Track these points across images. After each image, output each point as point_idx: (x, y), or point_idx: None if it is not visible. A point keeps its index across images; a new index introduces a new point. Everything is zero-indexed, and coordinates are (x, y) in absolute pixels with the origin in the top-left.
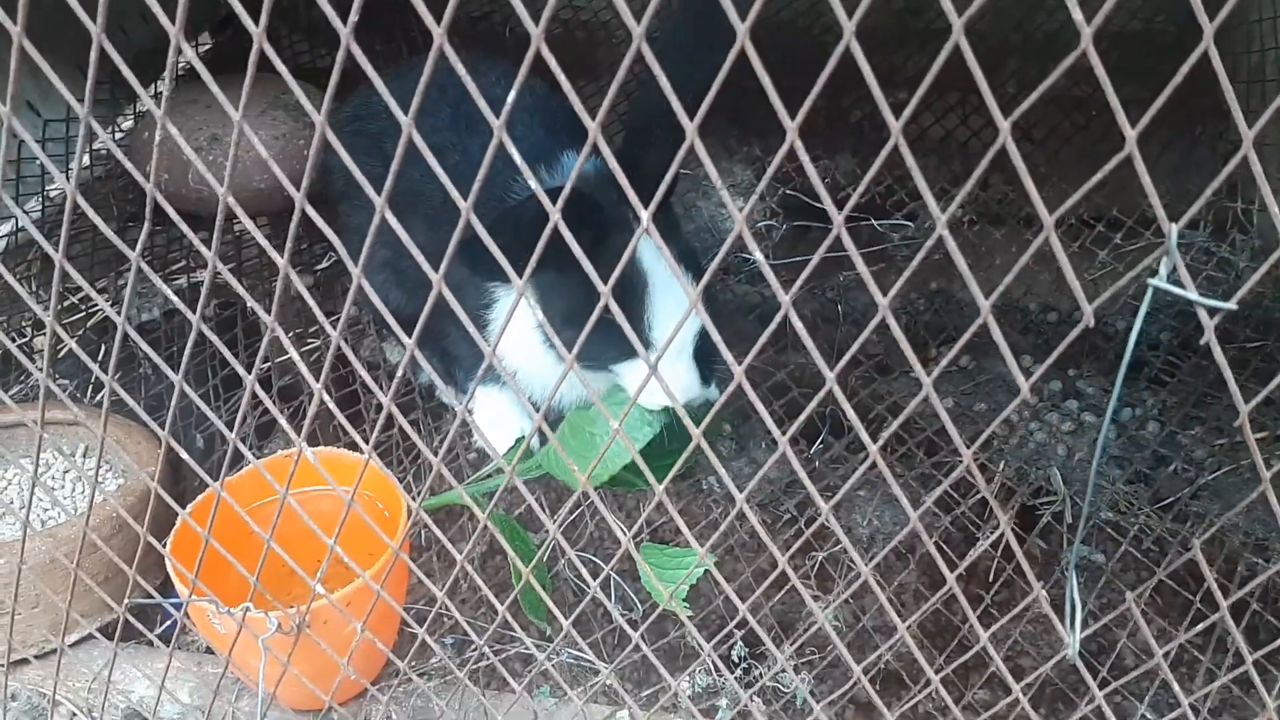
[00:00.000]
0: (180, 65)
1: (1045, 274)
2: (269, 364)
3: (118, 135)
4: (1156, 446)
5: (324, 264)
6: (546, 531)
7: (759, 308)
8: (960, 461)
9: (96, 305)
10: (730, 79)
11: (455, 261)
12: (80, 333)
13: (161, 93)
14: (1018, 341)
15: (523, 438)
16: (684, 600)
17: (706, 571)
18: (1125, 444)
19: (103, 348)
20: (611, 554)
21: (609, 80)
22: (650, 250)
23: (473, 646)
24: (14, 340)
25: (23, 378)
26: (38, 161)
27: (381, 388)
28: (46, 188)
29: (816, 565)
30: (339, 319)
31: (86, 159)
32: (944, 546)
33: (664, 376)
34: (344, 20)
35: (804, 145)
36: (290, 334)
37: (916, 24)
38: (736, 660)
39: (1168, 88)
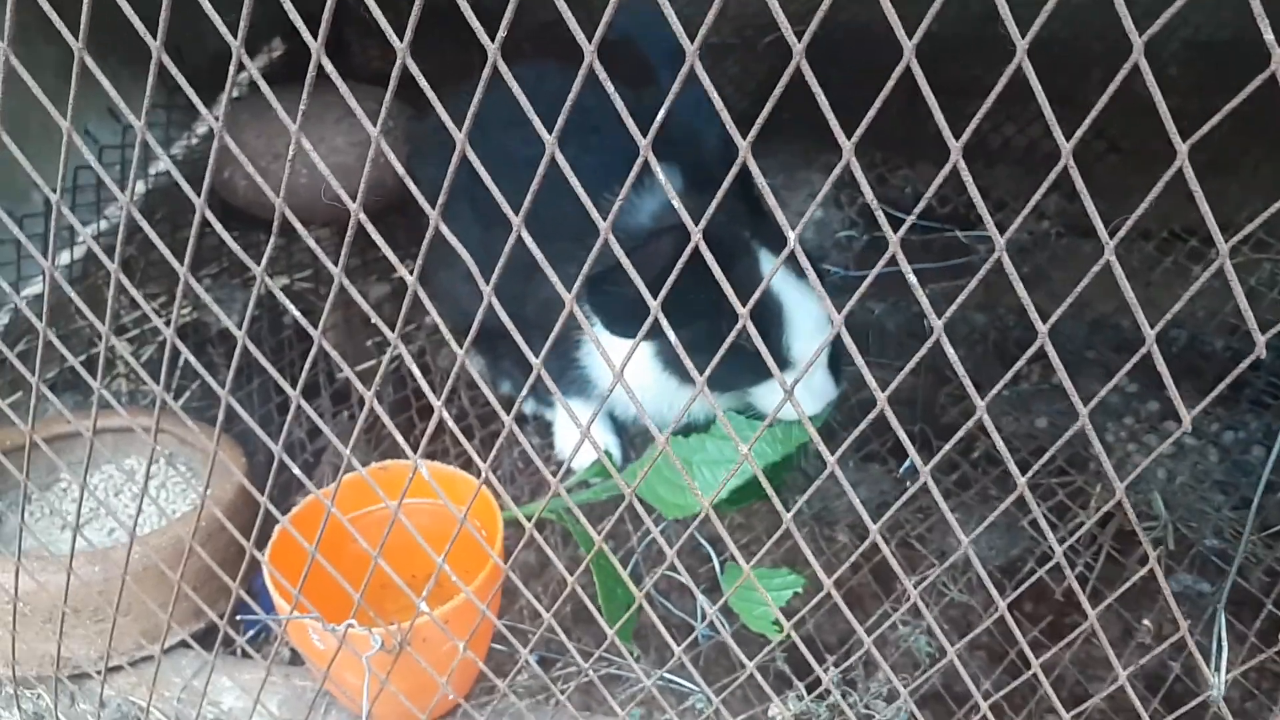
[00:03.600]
0: (246, 78)
1: (1136, 289)
2: (343, 376)
3: (187, 146)
4: (1263, 472)
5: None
6: (620, 543)
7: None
8: (1055, 488)
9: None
10: (804, 88)
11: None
12: (161, 339)
13: (237, 97)
14: (1111, 360)
15: (608, 452)
16: (774, 623)
17: (794, 593)
18: (1229, 468)
19: (181, 355)
20: (690, 571)
21: (651, 91)
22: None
23: (558, 665)
24: (90, 347)
25: (107, 382)
26: (116, 166)
27: (460, 397)
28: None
29: (906, 592)
30: (420, 329)
31: (164, 164)
32: (1036, 571)
33: (807, 388)
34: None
35: (884, 156)
36: (398, 328)
37: (998, 29)
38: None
39: None
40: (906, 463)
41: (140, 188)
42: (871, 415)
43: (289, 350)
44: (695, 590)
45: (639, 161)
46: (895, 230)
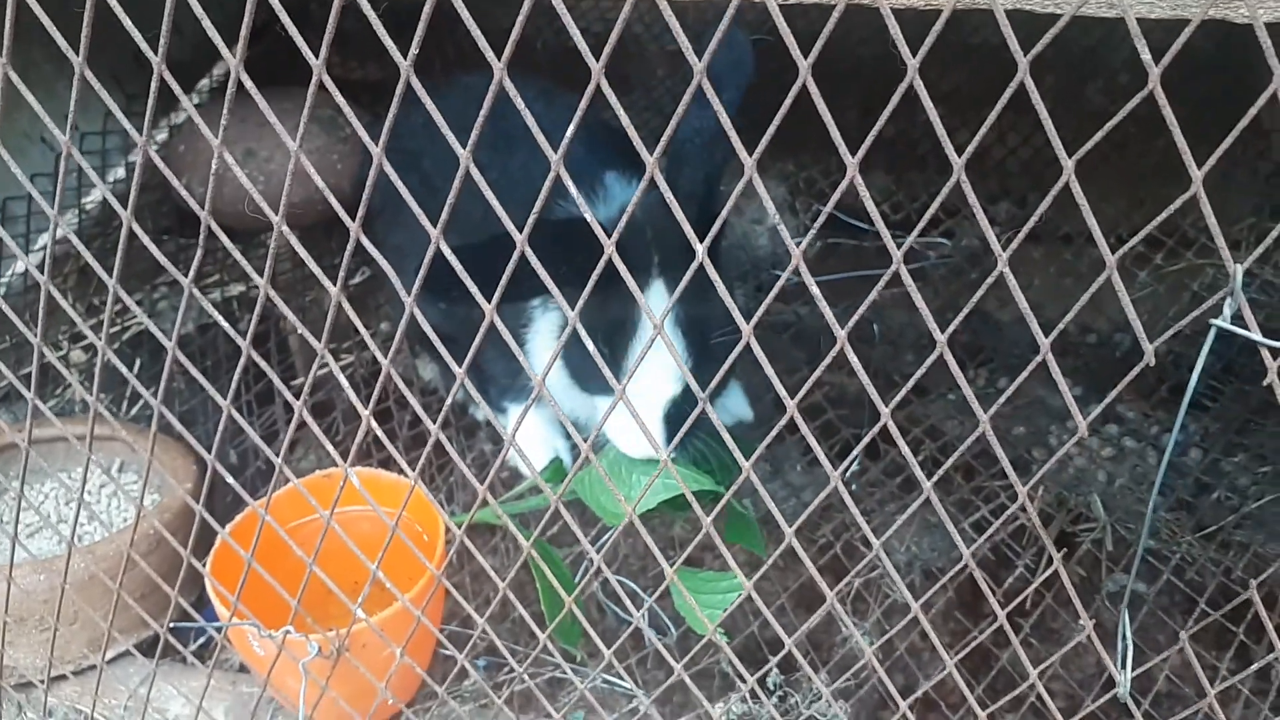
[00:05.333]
0: (216, 78)
1: (1083, 293)
2: (303, 380)
3: (153, 147)
4: (1199, 474)
5: (358, 278)
6: (574, 548)
7: (793, 326)
8: (999, 490)
9: (131, 318)
10: (762, 95)
11: (498, 284)
12: (116, 346)
13: (198, 104)
14: (1056, 364)
15: (557, 457)
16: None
17: (741, 592)
18: (1167, 471)
19: (137, 361)
20: (640, 573)
21: (641, 93)
22: (653, 300)
23: (506, 669)
24: (51, 352)
25: (58, 390)
26: (74, 173)
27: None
28: (82, 199)
29: (853, 591)
30: (374, 335)
31: (122, 171)
32: (982, 573)
33: (629, 427)
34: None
35: (839, 163)
36: (324, 339)
37: (951, 38)
38: (772, 687)
39: (1231, 133)
40: (853, 465)
41: (97, 195)
42: (782, 422)
43: (242, 355)
44: (621, 592)
45: (550, 178)
46: (846, 238)
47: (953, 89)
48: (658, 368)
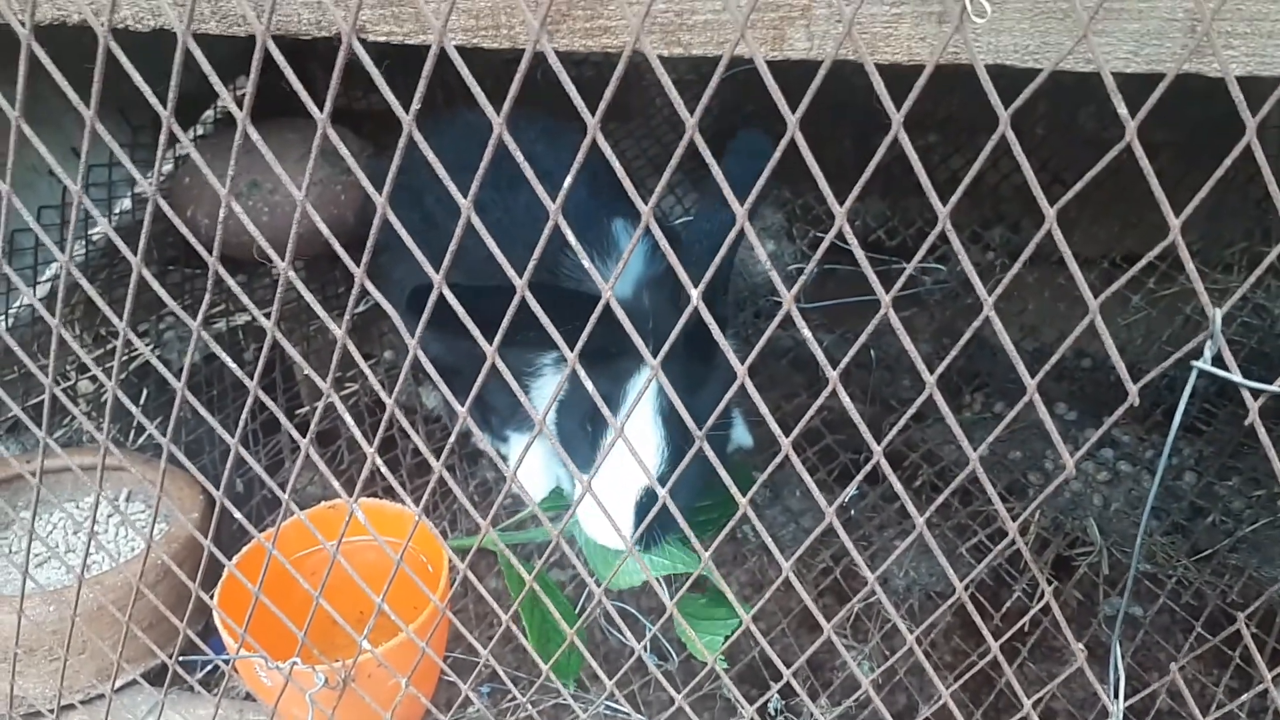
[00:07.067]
0: (220, 109)
1: (1077, 318)
2: (308, 409)
3: (159, 179)
4: (1194, 497)
5: (361, 307)
6: (571, 570)
7: (791, 351)
8: (996, 514)
9: (138, 348)
10: (759, 124)
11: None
12: (124, 375)
13: (203, 134)
14: (1051, 389)
15: (559, 486)
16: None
17: (742, 622)
18: (1162, 494)
19: (144, 390)
20: (646, 593)
21: (639, 122)
22: (635, 385)
23: (509, 697)
24: (59, 383)
25: (65, 421)
26: (82, 205)
27: (418, 432)
28: (89, 231)
29: (853, 616)
30: (378, 362)
31: (128, 202)
32: (978, 597)
33: (597, 516)
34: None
35: (833, 190)
36: (329, 377)
37: (946, 66)
38: (773, 713)
39: (1207, 184)
40: (850, 491)
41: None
42: (776, 462)
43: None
44: (620, 621)
45: (548, 227)
46: (844, 263)
47: (947, 116)
48: (623, 456)
